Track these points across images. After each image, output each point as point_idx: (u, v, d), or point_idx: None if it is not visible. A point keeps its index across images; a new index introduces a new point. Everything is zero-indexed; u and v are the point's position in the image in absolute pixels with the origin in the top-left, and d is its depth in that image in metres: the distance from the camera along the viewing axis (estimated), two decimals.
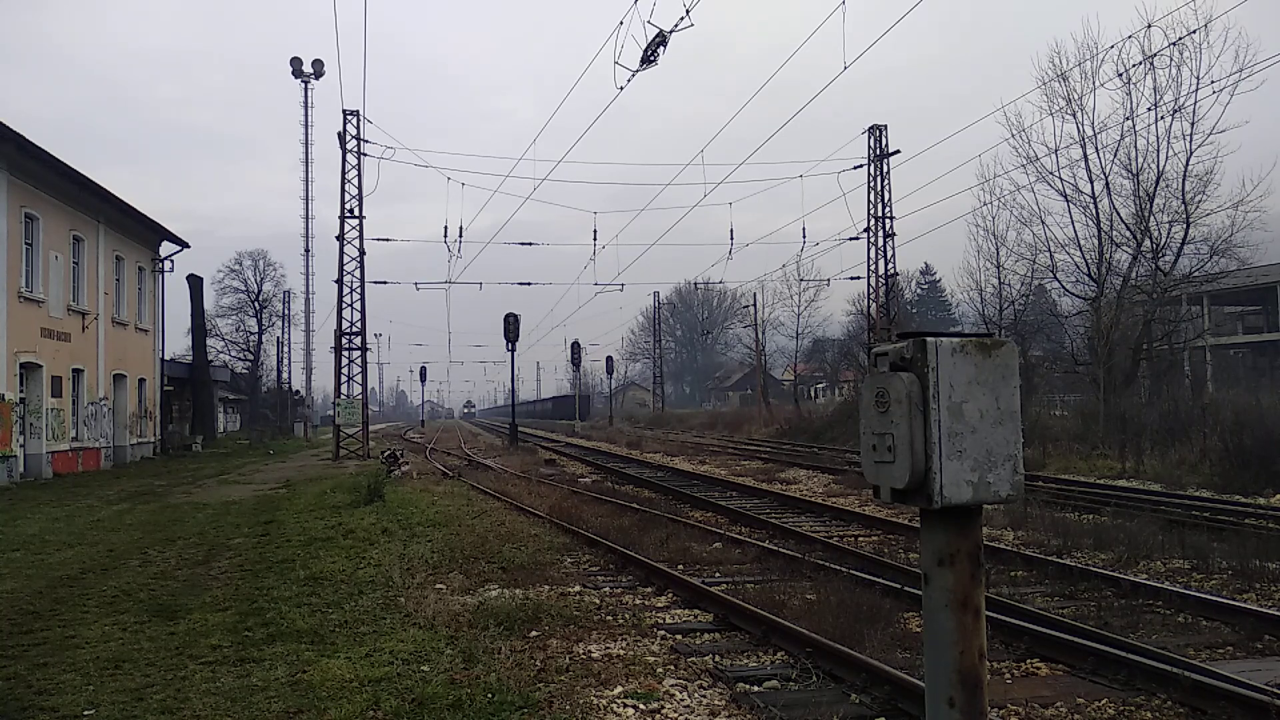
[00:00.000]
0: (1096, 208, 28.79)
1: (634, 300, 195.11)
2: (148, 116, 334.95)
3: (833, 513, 14.65)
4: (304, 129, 50.25)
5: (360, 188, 32.62)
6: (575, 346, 61.72)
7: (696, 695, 5.83)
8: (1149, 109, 27.01)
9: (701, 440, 40.31)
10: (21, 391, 25.07)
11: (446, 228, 41.09)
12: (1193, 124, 26.68)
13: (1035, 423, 24.26)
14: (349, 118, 32.61)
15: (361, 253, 32.87)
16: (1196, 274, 28.18)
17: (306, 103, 49.78)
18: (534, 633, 7.27)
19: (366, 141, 32.87)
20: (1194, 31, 25.51)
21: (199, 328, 49.65)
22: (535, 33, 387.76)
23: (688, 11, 14.40)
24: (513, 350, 38.68)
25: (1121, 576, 8.78)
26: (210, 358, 52.20)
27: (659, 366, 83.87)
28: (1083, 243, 29.18)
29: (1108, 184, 28.55)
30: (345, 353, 33.25)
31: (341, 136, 32.57)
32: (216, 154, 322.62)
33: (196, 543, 12.65)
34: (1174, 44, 25.82)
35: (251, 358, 66.77)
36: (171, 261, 38.37)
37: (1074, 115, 28.55)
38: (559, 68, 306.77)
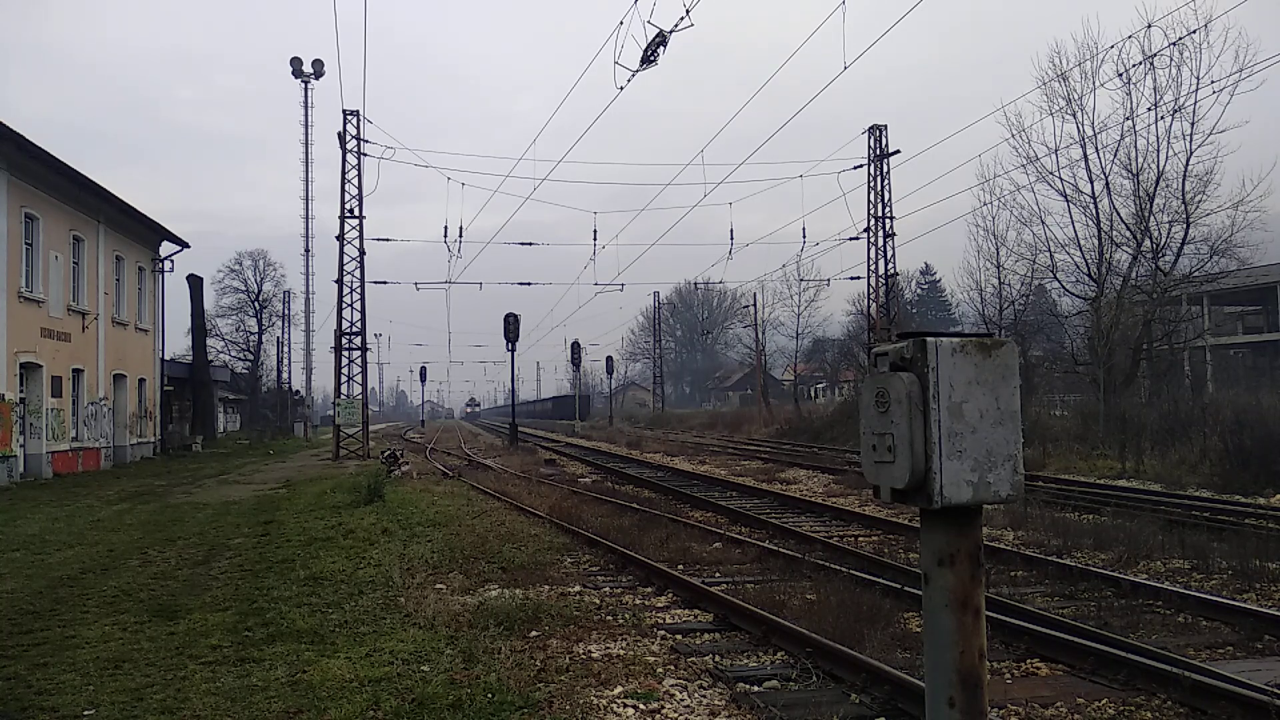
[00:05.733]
0: (1096, 208, 28.76)
1: (634, 300, 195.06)
2: (161, 118, 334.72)
3: (833, 513, 14.65)
4: (304, 129, 50.31)
5: (360, 188, 32.69)
6: (575, 346, 61.70)
7: (696, 695, 5.82)
8: (1149, 109, 26.96)
9: (701, 440, 40.30)
10: (21, 391, 25.07)
11: (446, 228, 41.13)
12: (1193, 124, 26.63)
13: (1035, 423, 24.27)
14: (349, 118, 32.64)
15: (361, 253, 32.90)
16: (1196, 274, 28.12)
17: (306, 103, 49.80)
18: (534, 633, 7.27)
19: (367, 141, 32.93)
20: (1194, 31, 25.47)
21: (199, 328, 49.68)
22: (548, 34, 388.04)
23: (688, 11, 14.40)
24: (513, 350, 38.68)
25: (1121, 576, 8.78)
26: (210, 358, 52.22)
27: (659, 366, 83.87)
28: (1083, 243, 29.15)
29: (1108, 184, 28.53)
30: (345, 353, 33.26)
31: (341, 136, 32.58)
32: (226, 155, 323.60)
33: (196, 543, 12.66)
34: (1174, 44, 25.78)
35: (251, 358, 66.78)
36: (172, 261, 38.42)
37: (1074, 115, 28.49)
38: (560, 69, 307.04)
